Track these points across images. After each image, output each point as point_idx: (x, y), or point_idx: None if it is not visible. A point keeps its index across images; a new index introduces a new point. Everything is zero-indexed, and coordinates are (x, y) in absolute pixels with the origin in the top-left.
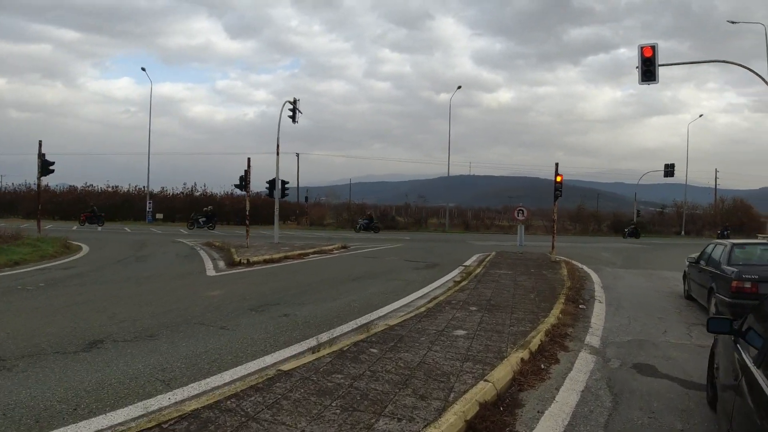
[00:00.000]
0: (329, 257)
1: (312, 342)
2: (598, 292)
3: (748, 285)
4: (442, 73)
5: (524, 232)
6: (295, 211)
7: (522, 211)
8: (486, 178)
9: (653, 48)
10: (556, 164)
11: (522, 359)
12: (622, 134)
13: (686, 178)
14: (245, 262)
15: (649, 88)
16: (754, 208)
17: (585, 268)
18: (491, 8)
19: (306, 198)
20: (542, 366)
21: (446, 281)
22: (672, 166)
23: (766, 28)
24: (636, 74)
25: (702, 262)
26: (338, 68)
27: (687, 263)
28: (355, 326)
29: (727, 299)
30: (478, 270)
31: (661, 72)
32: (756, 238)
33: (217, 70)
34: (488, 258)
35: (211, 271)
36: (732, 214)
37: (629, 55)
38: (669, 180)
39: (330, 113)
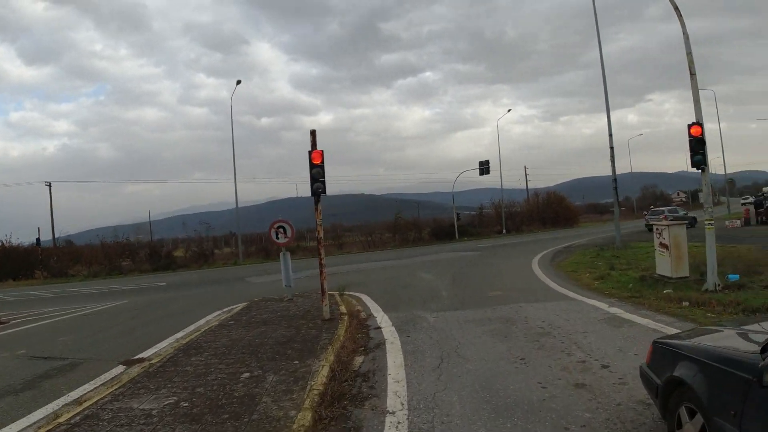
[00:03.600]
0: None
1: None
2: None
3: None
4: (261, 98)
5: (295, 257)
6: (50, 259)
7: (283, 228)
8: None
9: None
10: (312, 138)
11: None
12: (435, 149)
13: (500, 174)
14: None
15: (451, 107)
16: (567, 198)
17: (384, 323)
18: (305, 34)
19: (37, 240)
20: None
21: None
22: (487, 162)
23: None
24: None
25: None
26: (150, 94)
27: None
28: None
29: None
30: (116, 390)
31: (462, 92)
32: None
33: (10, 100)
34: (217, 322)
35: None
36: (548, 207)
37: (434, 78)
38: (482, 185)
39: (143, 142)
